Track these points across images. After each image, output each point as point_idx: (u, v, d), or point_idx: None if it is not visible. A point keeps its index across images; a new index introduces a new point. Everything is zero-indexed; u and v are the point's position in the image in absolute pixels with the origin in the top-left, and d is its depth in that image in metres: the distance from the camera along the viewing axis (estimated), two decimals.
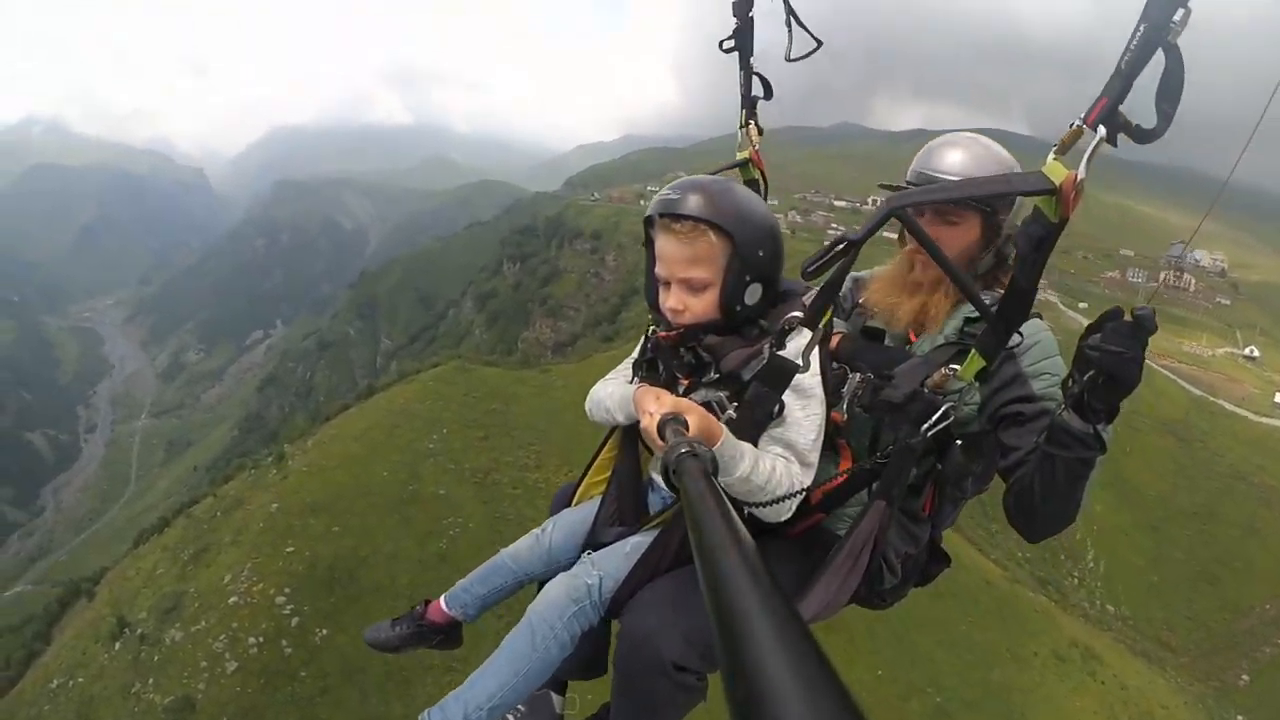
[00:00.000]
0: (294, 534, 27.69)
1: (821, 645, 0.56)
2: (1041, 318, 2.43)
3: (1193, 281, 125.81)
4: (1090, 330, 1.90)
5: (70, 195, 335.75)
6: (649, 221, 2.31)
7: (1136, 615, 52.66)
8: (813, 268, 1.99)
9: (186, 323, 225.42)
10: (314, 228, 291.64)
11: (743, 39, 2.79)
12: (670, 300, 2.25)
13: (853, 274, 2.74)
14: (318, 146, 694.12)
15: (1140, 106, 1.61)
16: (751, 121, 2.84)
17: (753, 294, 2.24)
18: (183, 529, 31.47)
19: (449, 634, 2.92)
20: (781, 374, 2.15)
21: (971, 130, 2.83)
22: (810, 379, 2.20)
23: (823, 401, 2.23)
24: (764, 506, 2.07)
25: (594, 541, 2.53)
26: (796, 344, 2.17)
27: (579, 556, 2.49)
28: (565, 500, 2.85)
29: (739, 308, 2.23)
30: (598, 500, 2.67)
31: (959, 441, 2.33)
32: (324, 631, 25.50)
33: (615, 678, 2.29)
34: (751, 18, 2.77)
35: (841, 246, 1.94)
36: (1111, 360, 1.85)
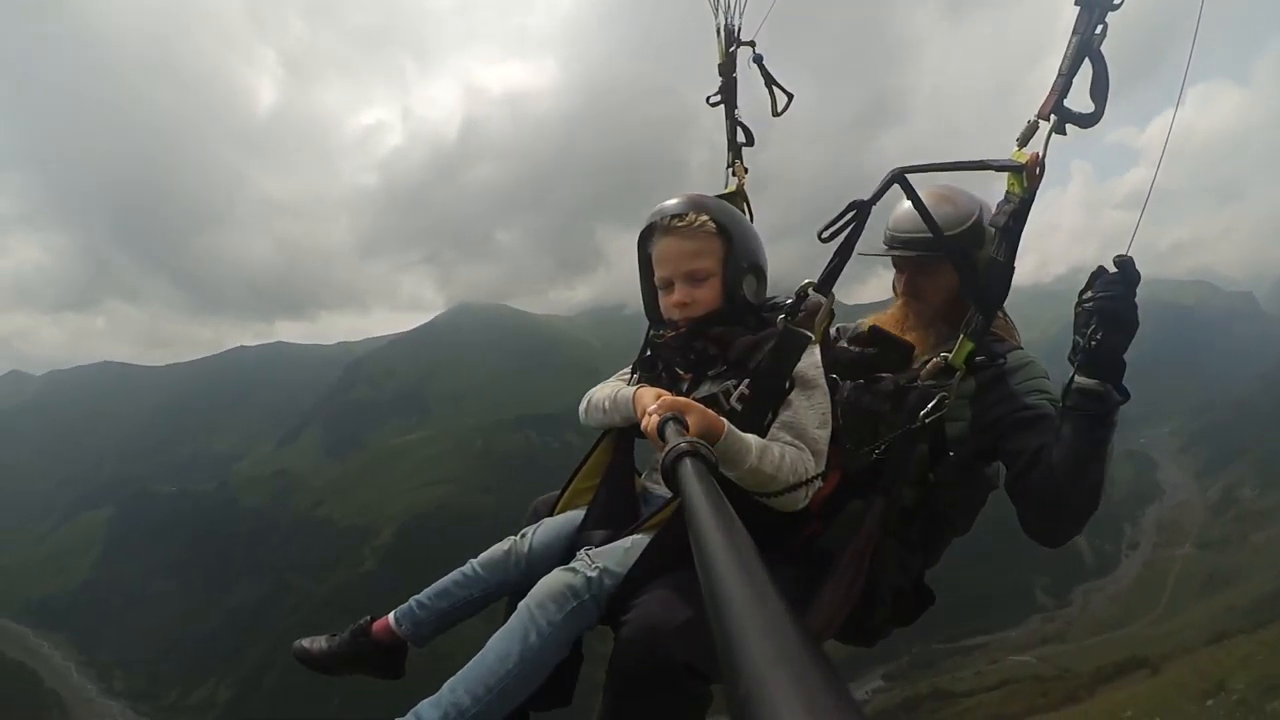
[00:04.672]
0: None
1: (820, 645, 0.58)
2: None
3: None
4: (1081, 293, 2.21)
5: None
6: (645, 237, 2.54)
7: None
8: (827, 233, 2.32)
9: (1242, 456, 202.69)
10: None
11: (728, 94, 3.38)
12: (675, 296, 2.43)
13: (840, 324, 3.01)
14: None
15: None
16: (738, 161, 3.31)
17: (750, 284, 2.47)
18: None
19: (390, 657, 2.65)
20: (793, 344, 2.28)
21: None
22: (813, 370, 2.32)
23: (826, 393, 2.32)
24: (777, 496, 2.12)
25: (580, 546, 2.39)
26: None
27: (564, 564, 2.29)
28: (545, 511, 2.73)
29: (741, 293, 2.44)
30: (583, 510, 2.60)
31: (952, 454, 2.50)
32: None
33: (612, 683, 2.07)
34: (734, 76, 3.37)
35: (852, 213, 2.28)
36: (1107, 304, 2.14)
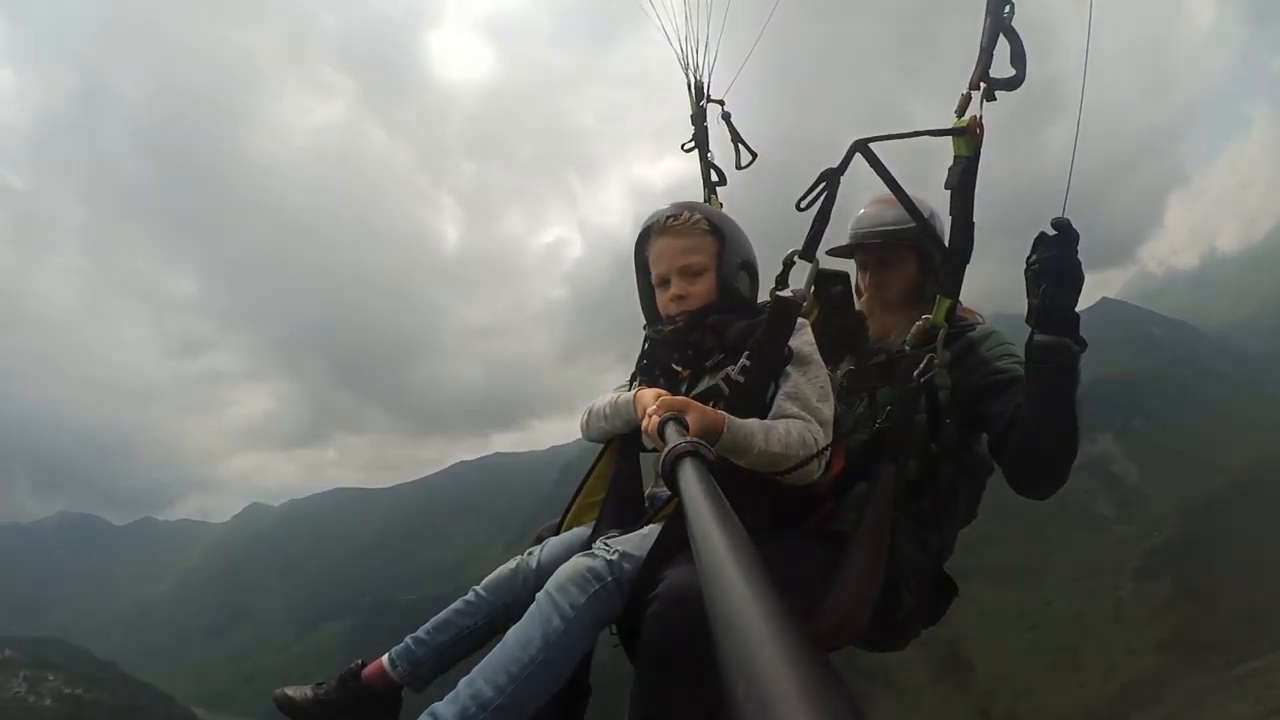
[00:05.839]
0: None
1: (820, 647, 0.60)
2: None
3: None
4: (1027, 258, 2.37)
5: None
6: (642, 240, 2.69)
7: None
8: (805, 203, 2.49)
9: None
10: None
11: (701, 141, 3.78)
12: (672, 290, 2.55)
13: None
14: None
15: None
16: (713, 197, 3.69)
17: (743, 281, 2.62)
18: None
19: (385, 705, 2.41)
20: (786, 310, 2.39)
21: None
22: (807, 347, 2.43)
23: (823, 367, 2.46)
24: (791, 473, 2.18)
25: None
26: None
27: None
28: (551, 535, 2.69)
29: (735, 287, 2.58)
30: (590, 526, 2.53)
31: (949, 421, 2.65)
32: None
33: (647, 652, 2.04)
34: (705, 126, 3.77)
35: (823, 183, 2.48)
36: (1051, 262, 2.29)
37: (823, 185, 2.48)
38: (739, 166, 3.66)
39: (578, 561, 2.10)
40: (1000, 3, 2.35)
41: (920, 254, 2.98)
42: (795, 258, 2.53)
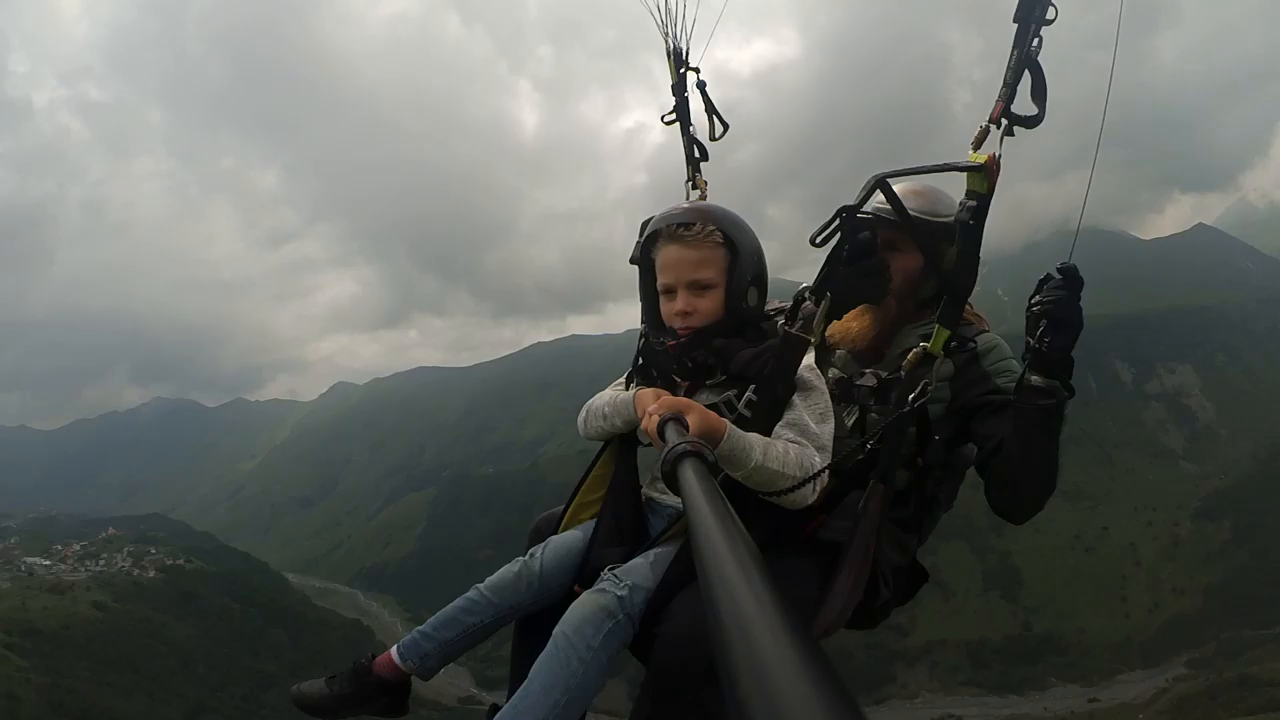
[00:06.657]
0: None
1: (819, 644, 0.59)
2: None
3: None
4: (1030, 298, 2.37)
5: None
6: (651, 241, 2.57)
7: None
8: (820, 239, 2.39)
9: None
10: None
11: (682, 113, 3.55)
12: (678, 304, 2.47)
13: None
14: None
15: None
16: (697, 175, 3.48)
17: (751, 296, 2.52)
18: None
19: (396, 695, 2.56)
20: (795, 348, 2.35)
21: None
22: (808, 372, 2.39)
23: (824, 392, 2.41)
24: (786, 494, 2.15)
25: (595, 563, 2.42)
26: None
27: (573, 583, 2.41)
28: (549, 529, 2.70)
29: (743, 304, 2.49)
30: (589, 525, 2.58)
31: (937, 437, 2.64)
32: None
33: (655, 682, 2.14)
34: (686, 97, 3.54)
35: (841, 218, 2.38)
36: (1053, 306, 2.30)
37: (839, 221, 2.38)
38: (713, 138, 3.58)
39: (590, 600, 2.16)
40: (1029, 36, 2.25)
41: (929, 253, 2.79)
42: (807, 294, 2.48)
